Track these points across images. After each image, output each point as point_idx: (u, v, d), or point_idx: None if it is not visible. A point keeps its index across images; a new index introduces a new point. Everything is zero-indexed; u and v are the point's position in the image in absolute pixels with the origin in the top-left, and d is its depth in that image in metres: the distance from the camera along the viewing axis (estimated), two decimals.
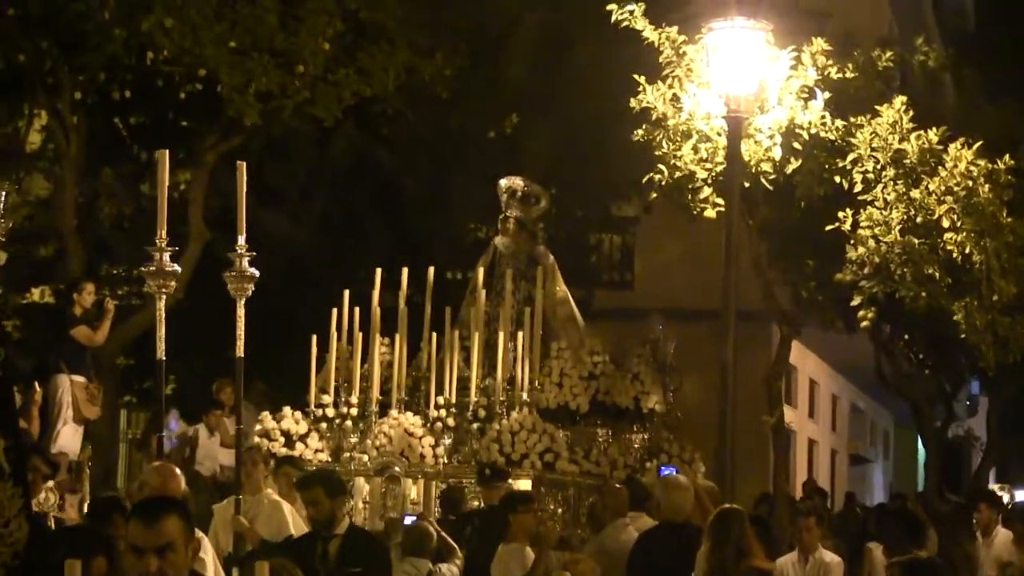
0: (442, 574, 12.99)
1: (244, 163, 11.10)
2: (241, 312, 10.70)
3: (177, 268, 10.80)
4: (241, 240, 10.59)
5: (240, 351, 10.70)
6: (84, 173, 22.26)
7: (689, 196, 17.41)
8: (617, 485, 14.71)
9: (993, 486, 44.38)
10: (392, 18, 19.66)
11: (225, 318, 23.22)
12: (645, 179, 17.50)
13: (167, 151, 10.98)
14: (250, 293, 10.83)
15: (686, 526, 12.91)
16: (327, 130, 22.09)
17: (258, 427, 16.78)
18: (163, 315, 10.64)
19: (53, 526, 12.23)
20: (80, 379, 18.19)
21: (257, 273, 10.78)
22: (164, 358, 10.89)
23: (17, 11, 19.84)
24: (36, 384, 17.91)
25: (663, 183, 17.37)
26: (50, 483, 14.57)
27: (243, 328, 10.78)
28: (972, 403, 35.48)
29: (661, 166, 17.29)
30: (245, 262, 10.64)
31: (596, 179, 23.40)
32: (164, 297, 10.64)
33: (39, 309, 23.77)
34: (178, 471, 11.94)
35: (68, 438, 18.06)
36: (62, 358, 18.36)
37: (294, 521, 12.79)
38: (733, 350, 15.72)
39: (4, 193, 9.17)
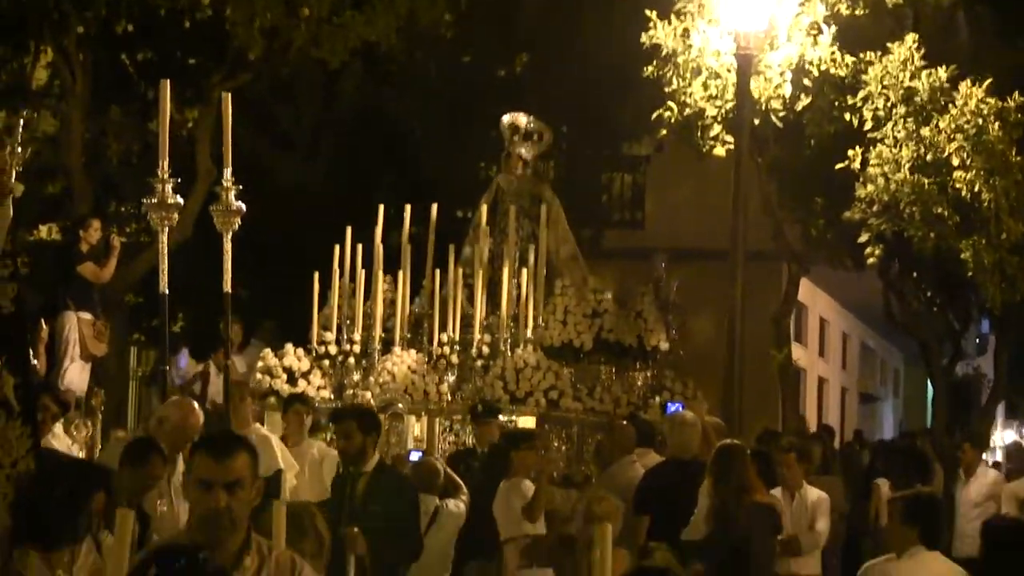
0: (448, 510, 13.00)
1: (228, 94, 10.95)
2: (228, 247, 10.66)
3: (180, 200, 10.71)
4: (227, 173, 10.50)
5: (227, 285, 10.65)
6: (91, 110, 22.19)
7: (699, 134, 17.33)
8: (624, 423, 14.71)
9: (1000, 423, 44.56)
10: None
11: (236, 259, 23.32)
12: (654, 116, 17.42)
13: (168, 81, 10.88)
14: (236, 227, 10.73)
15: (692, 462, 12.91)
16: (334, 73, 21.99)
17: (260, 364, 16.76)
18: (166, 248, 10.59)
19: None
20: (87, 316, 18.12)
21: (244, 207, 10.69)
22: (167, 291, 10.84)
23: None
24: (42, 321, 17.87)
25: (672, 120, 17.29)
26: (60, 422, 14.55)
27: (230, 263, 10.68)
28: (981, 342, 35.38)
29: (671, 103, 17.22)
30: (232, 195, 10.53)
31: (608, 117, 23.26)
32: (167, 230, 10.56)
33: (47, 246, 23.69)
34: (196, 405, 11.98)
35: (75, 375, 18.01)
36: (69, 295, 18.28)
37: (283, 456, 12.77)
38: (741, 289, 15.73)
39: (22, 121, 9.09)
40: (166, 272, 10.63)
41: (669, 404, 16.62)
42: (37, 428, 7.84)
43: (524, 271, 16.47)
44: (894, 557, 9.73)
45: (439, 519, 12.87)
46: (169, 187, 10.49)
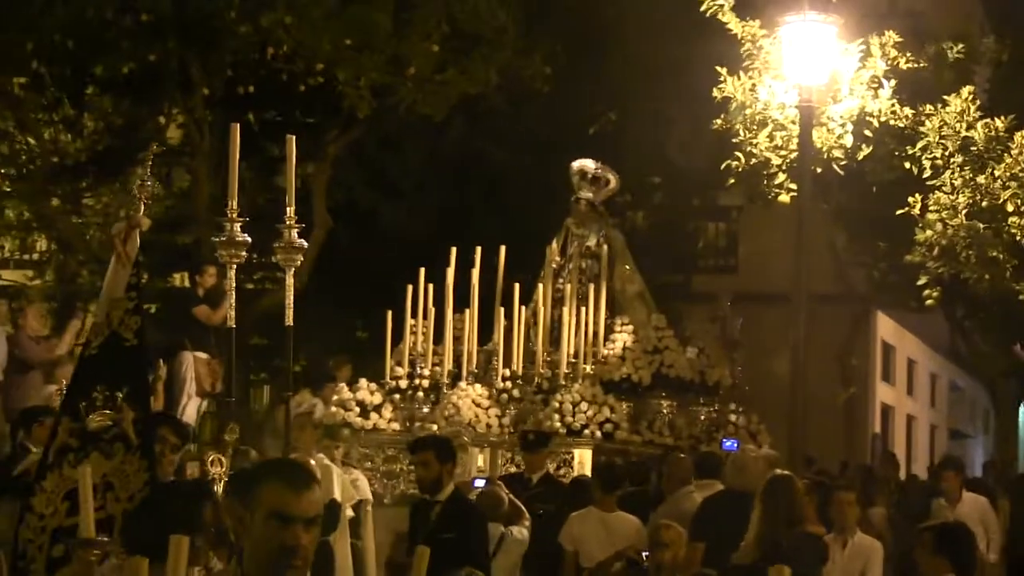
0: (513, 536, 12.77)
1: (293, 137, 10.72)
2: (290, 281, 10.44)
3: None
4: (290, 211, 10.33)
5: (289, 319, 10.45)
6: (217, 167, 22.37)
7: (764, 182, 17.09)
8: (681, 455, 14.38)
9: None
10: (490, 27, 19.41)
11: (350, 302, 23.29)
12: (723, 166, 17.22)
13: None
14: (299, 263, 10.54)
15: (747, 494, 12.57)
16: (439, 125, 21.98)
17: (335, 398, 16.68)
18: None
19: None
20: (203, 355, 18.20)
21: (306, 244, 10.52)
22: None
23: (149, 14, 19.91)
24: (160, 361, 17.94)
25: (740, 169, 17.08)
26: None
27: (291, 298, 10.50)
28: None
29: (738, 153, 17.02)
30: (294, 233, 10.36)
31: (693, 169, 23.04)
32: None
33: (177, 292, 23.89)
34: (329, 464, 11.87)
35: (192, 411, 18.12)
36: (186, 336, 18.40)
37: (342, 486, 12.62)
38: (805, 328, 15.47)
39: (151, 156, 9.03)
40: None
41: (724, 441, 16.27)
42: (154, 463, 7.53)
43: (583, 309, 16.22)
44: None
45: (504, 545, 12.63)
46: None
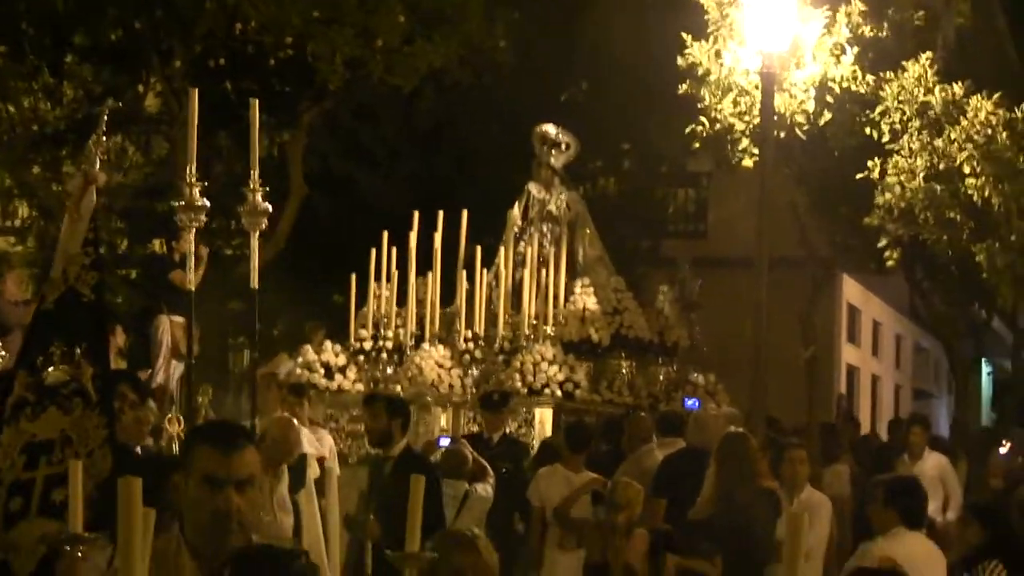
0: (478, 494, 12.79)
1: (256, 100, 10.69)
2: (255, 244, 10.38)
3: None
4: (254, 175, 10.26)
5: (254, 282, 10.40)
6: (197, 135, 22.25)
7: (729, 147, 17.07)
8: (641, 413, 14.41)
9: None
10: (451, 2, 19.36)
11: (328, 267, 23.26)
12: (688, 130, 17.18)
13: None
14: (264, 226, 10.47)
15: (707, 452, 12.60)
16: (411, 96, 21.91)
17: (300, 359, 16.66)
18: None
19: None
20: (179, 319, 18.13)
21: (270, 207, 10.44)
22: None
23: None
24: (119, 328, 17.95)
25: (705, 134, 17.05)
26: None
27: (256, 261, 10.43)
28: None
29: (703, 118, 16.98)
30: (259, 197, 10.28)
31: (664, 135, 23.01)
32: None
33: (156, 258, 23.85)
34: (296, 423, 11.83)
35: (167, 374, 18.07)
36: (163, 300, 18.36)
37: (309, 441, 12.61)
38: (765, 289, 15.54)
39: (106, 113, 8.89)
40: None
41: (686, 400, 16.29)
42: (113, 419, 7.33)
43: (544, 271, 16.21)
44: (878, 538, 9.35)
45: (468, 502, 12.66)
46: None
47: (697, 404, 15.87)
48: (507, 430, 14.47)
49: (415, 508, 5.02)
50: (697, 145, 17.59)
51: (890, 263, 17.09)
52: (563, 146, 17.79)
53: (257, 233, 10.64)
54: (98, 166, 8.14)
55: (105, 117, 8.77)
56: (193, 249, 10.41)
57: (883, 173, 16.50)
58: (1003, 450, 20.69)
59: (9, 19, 21.05)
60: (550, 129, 17.79)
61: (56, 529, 6.62)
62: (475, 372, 16.06)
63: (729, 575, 11.36)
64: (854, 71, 16.71)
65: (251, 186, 10.43)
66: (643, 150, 24.28)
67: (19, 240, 24.44)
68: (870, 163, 16.58)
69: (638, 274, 20.33)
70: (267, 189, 10.55)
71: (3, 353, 15.81)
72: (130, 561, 3.80)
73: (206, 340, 20.69)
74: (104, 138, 8.51)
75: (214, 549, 4.66)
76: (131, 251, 23.72)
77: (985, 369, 38.32)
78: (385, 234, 16.59)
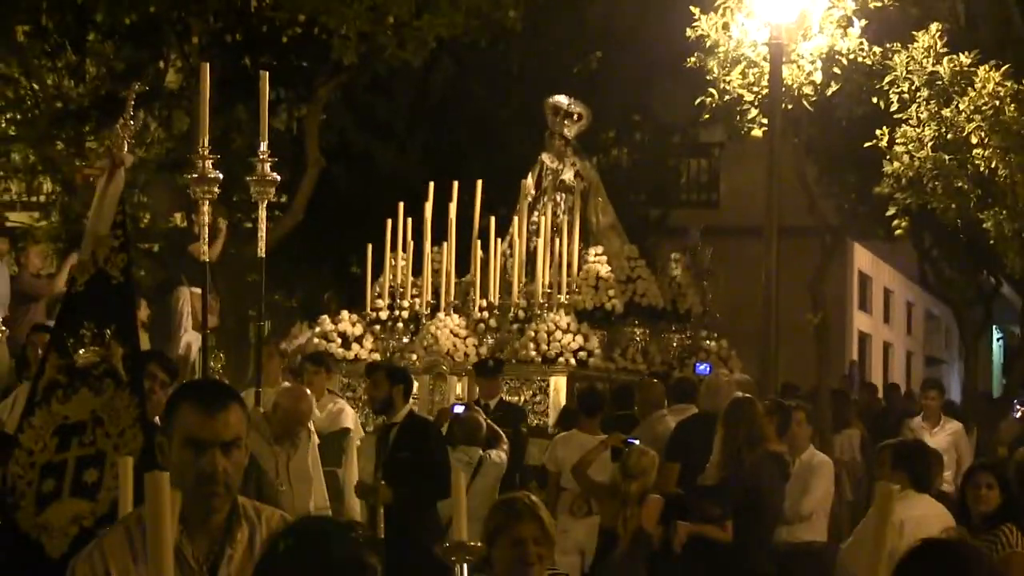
0: (492, 460, 12.83)
1: (267, 73, 10.73)
2: (263, 214, 10.41)
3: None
4: (263, 146, 10.28)
5: (262, 251, 10.43)
6: (215, 109, 22.26)
7: (738, 118, 17.05)
8: (653, 380, 14.42)
9: None
10: None
11: (346, 239, 23.28)
12: (697, 102, 17.15)
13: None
14: (272, 196, 10.48)
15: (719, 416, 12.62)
16: (426, 67, 21.89)
17: (317, 329, 16.69)
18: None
19: None
20: (198, 291, 18.17)
21: (278, 177, 10.46)
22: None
23: None
24: (145, 303, 17.99)
25: (714, 105, 17.04)
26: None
27: (264, 231, 10.46)
28: None
29: (712, 90, 16.96)
30: (267, 167, 10.31)
31: (675, 105, 22.97)
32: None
33: (177, 232, 23.91)
34: (308, 392, 11.86)
35: (188, 344, 18.13)
36: (183, 272, 18.42)
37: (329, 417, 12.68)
38: (776, 257, 15.61)
39: (134, 95, 8.78)
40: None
41: (697, 365, 16.29)
42: (144, 399, 7.18)
43: (557, 240, 16.21)
44: None
45: (483, 468, 12.69)
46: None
47: (709, 369, 15.90)
48: (502, 396, 14.47)
49: (459, 498, 4.97)
50: (707, 116, 17.54)
51: (899, 232, 17.03)
52: (575, 116, 17.76)
53: (265, 203, 10.69)
54: (125, 148, 8.13)
55: (132, 100, 8.70)
56: (207, 221, 10.43)
57: (891, 142, 16.41)
58: (1018, 415, 20.68)
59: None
60: (562, 100, 17.76)
61: (88, 509, 6.75)
62: (490, 341, 16.05)
63: (739, 538, 11.40)
64: (860, 42, 16.63)
65: (260, 156, 10.47)
66: (655, 121, 24.23)
67: (43, 215, 24.51)
68: (878, 133, 16.49)
69: (650, 243, 20.30)
70: (276, 159, 10.62)
71: (4, 329, 15.93)
72: (161, 554, 3.66)
73: (226, 312, 20.82)
74: (131, 121, 8.48)
75: (201, 514, 4.49)
76: (153, 225, 23.75)
77: (996, 335, 38.25)
78: (401, 205, 16.59)
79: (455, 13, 18.87)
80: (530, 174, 17.70)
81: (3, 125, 23.26)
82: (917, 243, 19.50)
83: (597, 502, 12.59)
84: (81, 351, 7.16)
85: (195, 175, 10.02)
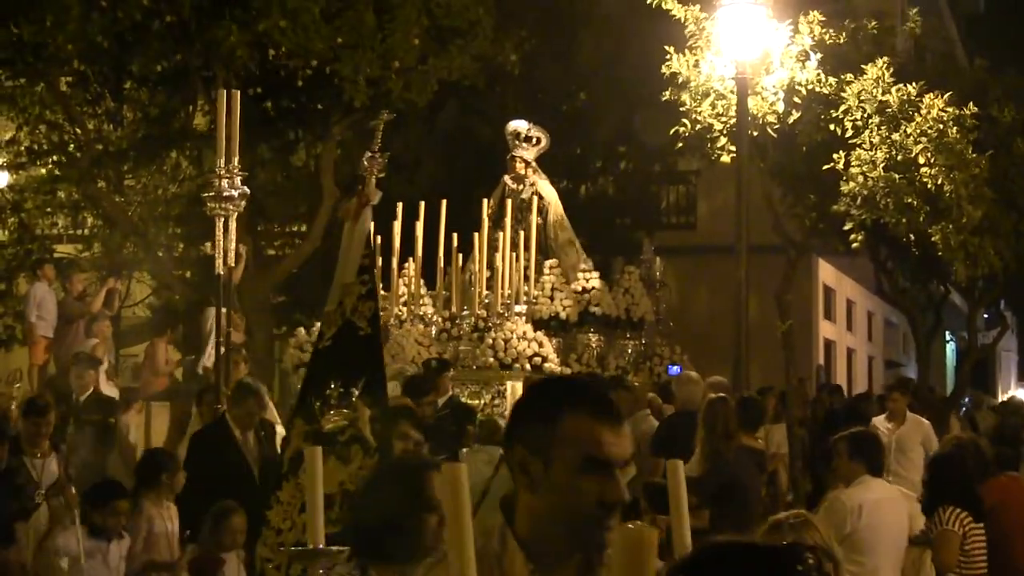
0: None
1: (238, 91, 10.50)
2: (221, 229, 10.16)
3: (246, 190, 10.25)
4: (220, 162, 10.03)
5: (220, 268, 10.20)
6: (243, 149, 22.16)
7: (708, 145, 17.00)
8: (636, 383, 14.31)
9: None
10: (465, 20, 19.20)
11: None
12: (672, 131, 17.09)
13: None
14: (230, 213, 10.15)
15: (697, 412, 12.52)
16: (433, 107, 21.81)
17: (293, 340, 16.57)
18: (221, 231, 10.21)
19: None
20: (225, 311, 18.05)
21: (238, 193, 10.16)
22: (222, 272, 10.43)
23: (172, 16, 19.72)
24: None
25: (687, 134, 16.98)
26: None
27: (224, 246, 10.24)
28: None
29: (685, 120, 16.90)
30: (224, 183, 10.05)
31: (654, 137, 22.93)
32: (223, 219, 10.15)
33: (207, 259, 23.82)
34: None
35: (214, 359, 18.01)
36: (211, 295, 18.28)
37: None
38: (745, 272, 15.58)
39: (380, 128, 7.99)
40: (222, 255, 10.20)
41: (670, 367, 16.17)
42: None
43: (514, 255, 16.01)
44: (844, 487, 9.26)
45: (503, 465, 12.41)
46: (228, 181, 10.03)
47: (679, 369, 15.81)
48: (452, 393, 13.93)
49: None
50: (681, 144, 17.49)
51: (855, 245, 17.01)
52: (534, 140, 17.61)
53: (223, 220, 10.37)
54: (372, 184, 7.26)
55: (380, 132, 7.86)
56: (222, 238, 10.27)
57: (847, 165, 16.42)
58: (963, 411, 20.50)
59: (76, 52, 21.07)
60: (521, 124, 17.64)
61: None
62: (451, 348, 15.88)
63: (717, 528, 11.25)
64: (818, 75, 16.64)
65: (217, 172, 10.15)
66: (637, 151, 24.14)
67: (86, 247, 24.51)
68: (835, 156, 16.52)
69: (611, 259, 20.11)
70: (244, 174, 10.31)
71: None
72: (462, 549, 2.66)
73: (252, 331, 20.65)
74: (378, 154, 7.61)
75: (572, 550, 3.15)
76: (186, 252, 23.68)
77: (947, 339, 38.11)
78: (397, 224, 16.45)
79: (460, 56, 18.77)
80: (492, 194, 17.57)
81: (50, 167, 23.26)
82: (874, 256, 19.46)
83: None
84: (329, 413, 6.30)
85: (212, 193, 9.86)
